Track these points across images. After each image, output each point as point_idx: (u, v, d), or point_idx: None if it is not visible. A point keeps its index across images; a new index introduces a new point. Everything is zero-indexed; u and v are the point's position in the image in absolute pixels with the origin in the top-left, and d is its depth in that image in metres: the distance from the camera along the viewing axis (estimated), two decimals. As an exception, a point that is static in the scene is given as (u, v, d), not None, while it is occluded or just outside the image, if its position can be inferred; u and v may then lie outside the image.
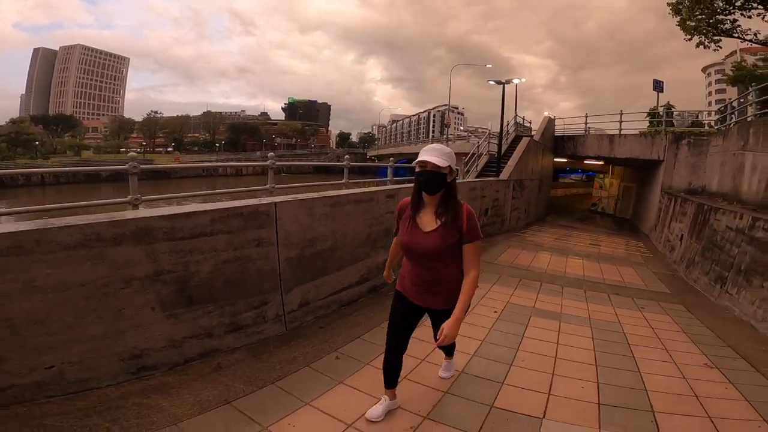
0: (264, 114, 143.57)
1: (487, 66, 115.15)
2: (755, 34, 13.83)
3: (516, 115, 16.49)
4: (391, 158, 8.96)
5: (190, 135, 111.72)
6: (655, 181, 12.38)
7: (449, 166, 1.79)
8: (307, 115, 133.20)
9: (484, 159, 13.50)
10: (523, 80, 16.54)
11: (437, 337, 1.82)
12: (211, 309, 2.35)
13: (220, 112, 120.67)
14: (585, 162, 18.98)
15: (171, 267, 2.11)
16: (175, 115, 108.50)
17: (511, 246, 7.50)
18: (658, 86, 16.70)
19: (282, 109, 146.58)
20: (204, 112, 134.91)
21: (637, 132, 14.71)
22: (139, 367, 2.09)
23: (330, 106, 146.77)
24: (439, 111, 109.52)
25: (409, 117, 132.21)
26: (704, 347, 3.38)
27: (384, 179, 7.13)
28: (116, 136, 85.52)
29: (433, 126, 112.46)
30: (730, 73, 24.98)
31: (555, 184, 23.64)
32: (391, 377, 2.08)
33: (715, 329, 3.88)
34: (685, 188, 10.67)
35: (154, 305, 2.08)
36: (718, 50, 15.23)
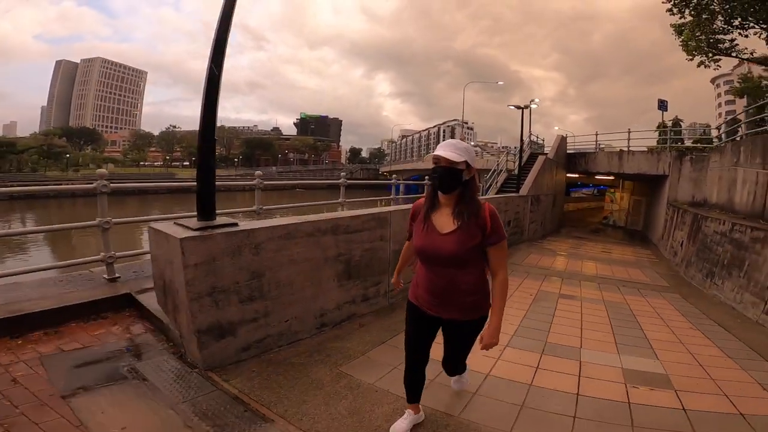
0: (276, 129, 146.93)
1: (499, 83, 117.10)
2: (752, 53, 15.05)
3: (531, 134, 17.82)
4: (394, 176, 10.15)
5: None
6: (661, 194, 13.48)
7: (465, 161, 1.65)
8: (319, 130, 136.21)
9: (503, 176, 14.81)
10: (537, 103, 17.84)
11: (445, 357, 2.02)
12: (357, 283, 3.60)
13: (235, 127, 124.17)
14: (596, 177, 20.11)
15: (343, 251, 3.36)
16: (190, 129, 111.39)
17: (533, 252, 8.69)
18: (662, 106, 17.94)
19: (294, 124, 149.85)
20: (218, 127, 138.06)
21: (644, 148, 15.90)
22: (320, 323, 3.27)
23: (341, 121, 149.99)
24: (448, 126, 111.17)
25: (419, 132, 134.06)
26: (691, 318, 4.56)
27: (396, 197, 8.23)
28: (135, 150, 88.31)
29: (443, 140, 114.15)
30: (737, 84, 26.05)
31: (567, 198, 24.74)
32: (414, 392, 1.99)
33: (701, 309, 5.04)
34: (688, 201, 11.76)
35: (334, 277, 3.32)
36: (718, 68, 16.43)
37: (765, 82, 21.25)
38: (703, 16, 14.22)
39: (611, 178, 19.41)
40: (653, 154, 13.88)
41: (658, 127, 19.05)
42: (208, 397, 2.16)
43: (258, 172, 5.16)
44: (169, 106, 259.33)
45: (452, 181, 1.66)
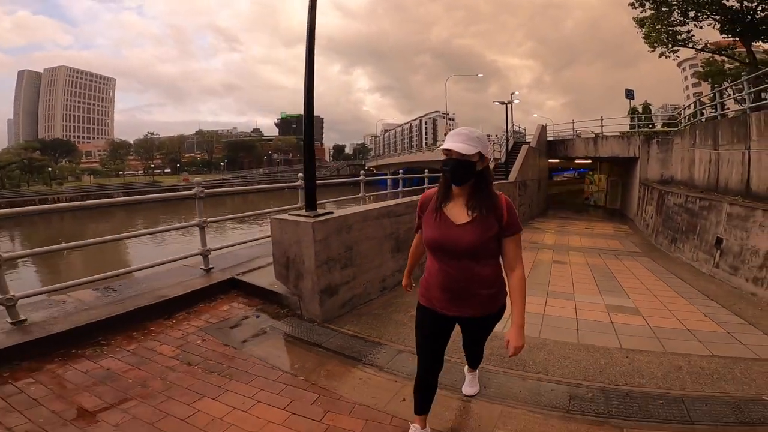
0: (256, 130, 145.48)
1: (479, 76, 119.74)
2: (706, 43, 16.60)
3: (513, 125, 19.11)
4: (372, 169, 10.91)
5: (186, 155, 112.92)
6: (634, 174, 14.93)
7: (479, 152, 1.58)
8: (301, 129, 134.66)
9: (491, 165, 16.00)
10: (518, 97, 19.11)
11: (465, 345, 2.16)
12: (404, 255, 4.67)
13: (217, 131, 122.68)
14: (575, 161, 21.58)
15: (394, 230, 4.39)
16: (164, 135, 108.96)
17: (524, 231, 9.90)
18: (630, 95, 19.50)
19: (275, 124, 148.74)
20: (197, 131, 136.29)
21: (617, 133, 17.35)
22: (382, 287, 4.28)
23: (323, 119, 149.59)
24: (430, 118, 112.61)
25: (402, 125, 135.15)
26: (656, 274, 5.79)
27: (391, 191, 8.73)
28: (113, 159, 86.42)
29: (426, 133, 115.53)
30: (701, 69, 27.90)
31: (551, 182, 26.22)
32: (424, 402, 1.89)
33: (666, 267, 6.29)
34: (657, 179, 13.19)
35: (389, 250, 4.36)
36: (677, 58, 17.97)
37: (727, 66, 22.98)
38: (662, 9, 15.64)
39: (589, 161, 20.89)
40: (624, 139, 15.31)
41: (630, 112, 20.60)
42: (336, 338, 3.16)
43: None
44: (141, 113, 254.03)
45: (465, 173, 1.60)
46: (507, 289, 1.76)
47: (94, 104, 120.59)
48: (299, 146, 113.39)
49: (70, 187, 47.99)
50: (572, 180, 41.82)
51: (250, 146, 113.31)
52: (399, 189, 8.65)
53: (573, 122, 18.16)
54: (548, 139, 18.49)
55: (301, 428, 2.07)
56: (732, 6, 14.49)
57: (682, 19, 15.84)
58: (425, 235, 1.74)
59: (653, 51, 16.80)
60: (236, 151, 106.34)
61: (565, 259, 6.54)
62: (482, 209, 1.62)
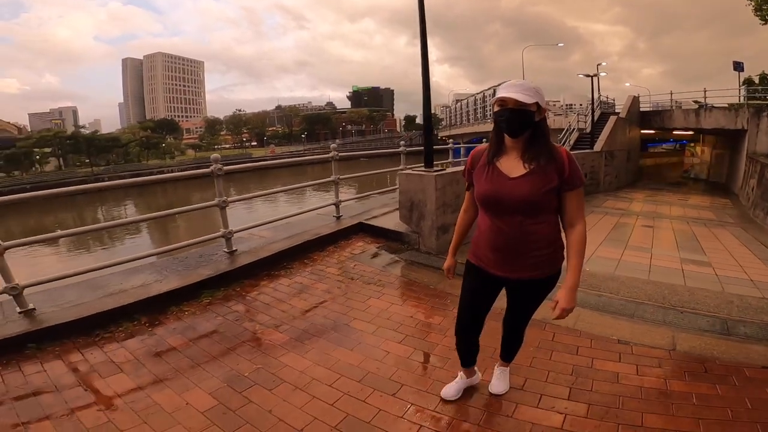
0: (330, 104, 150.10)
1: (559, 45, 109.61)
2: None
3: (600, 95, 18.17)
4: (450, 140, 11.18)
5: (269, 129, 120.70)
6: (742, 148, 13.70)
7: (536, 102, 1.45)
8: (372, 101, 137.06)
9: (575, 135, 15.76)
10: (605, 68, 18.04)
11: (506, 318, 1.97)
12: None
13: (295, 105, 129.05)
14: (674, 132, 19.93)
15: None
16: (249, 112, 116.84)
17: (609, 199, 10.08)
18: (738, 67, 17.38)
19: (347, 97, 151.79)
20: (277, 107, 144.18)
21: (725, 105, 15.77)
22: (440, 233, 5.27)
23: (393, 91, 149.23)
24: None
25: (474, 95, 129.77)
26: (742, 240, 6.01)
27: (464, 159, 9.47)
28: (210, 135, 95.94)
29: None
30: None
31: (644, 154, 24.39)
32: (468, 357, 1.95)
33: (754, 236, 6.38)
34: (766, 153, 12.08)
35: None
36: None
37: None
38: None
39: (690, 133, 19.16)
40: (731, 111, 14.01)
41: (745, 83, 18.34)
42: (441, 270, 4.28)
43: (333, 145, 6.18)
44: (227, 92, 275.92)
45: (523, 123, 1.48)
46: (564, 252, 1.62)
47: (188, 86, 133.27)
48: (371, 117, 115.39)
49: (180, 160, 55.09)
50: (671, 152, 38.00)
51: (325, 119, 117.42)
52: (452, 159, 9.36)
53: (671, 93, 16.83)
54: (642, 109, 17.35)
55: (437, 316, 3.18)
56: None
57: None
58: (477, 191, 1.63)
59: (764, 24, 14.79)
60: (313, 124, 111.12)
61: (649, 224, 6.92)
62: (540, 159, 1.50)
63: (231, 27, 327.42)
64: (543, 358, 2.48)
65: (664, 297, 3.46)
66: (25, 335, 2.59)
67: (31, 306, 2.88)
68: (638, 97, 17.33)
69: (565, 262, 1.65)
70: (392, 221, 5.20)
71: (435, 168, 4.68)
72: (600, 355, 2.51)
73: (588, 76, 15.21)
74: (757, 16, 14.93)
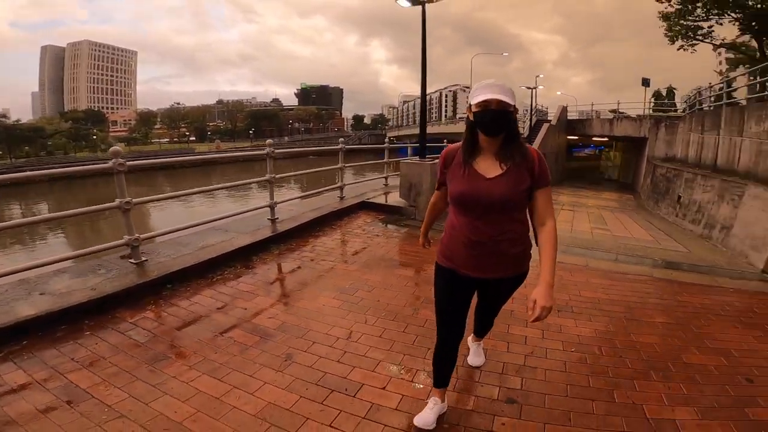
0: (276, 100, 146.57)
1: (504, 54, 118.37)
2: (723, 39, 18.09)
3: (535, 105, 21.13)
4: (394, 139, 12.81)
5: (210, 124, 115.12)
6: (644, 153, 16.99)
7: (514, 105, 1.50)
8: (320, 99, 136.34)
9: (515, 140, 18.32)
10: (542, 80, 20.96)
11: (477, 316, 2.16)
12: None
13: (241, 101, 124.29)
14: (593, 139, 23.50)
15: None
16: (184, 105, 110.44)
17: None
18: (645, 83, 21.21)
19: (294, 94, 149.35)
20: (218, 101, 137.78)
21: (634, 115, 19.23)
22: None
23: (342, 90, 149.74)
24: (450, 90, 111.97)
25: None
26: (634, 218, 8.30)
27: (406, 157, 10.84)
28: (142, 128, 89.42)
29: (446, 106, 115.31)
30: (732, 56, 28.73)
31: (571, 157, 28.13)
32: (443, 374, 1.85)
33: (644, 217, 8.76)
34: (662, 157, 15.27)
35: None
36: (695, 52, 19.42)
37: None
38: (688, 6, 17.14)
39: (606, 139, 22.80)
40: (636, 121, 17.29)
41: (654, 96, 22.24)
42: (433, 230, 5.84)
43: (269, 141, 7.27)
44: (161, 84, 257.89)
45: (504, 124, 1.51)
46: (532, 249, 1.69)
47: (117, 76, 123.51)
48: (320, 116, 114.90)
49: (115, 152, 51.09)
50: (592, 156, 43.23)
51: (272, 115, 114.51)
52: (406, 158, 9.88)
53: (592, 104, 20.14)
54: (569, 118, 20.49)
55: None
56: (755, 5, 15.89)
57: (704, 15, 17.32)
58: (452, 190, 1.64)
59: (672, 44, 18.38)
60: (258, 121, 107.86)
61: (571, 209, 9.09)
62: (515, 159, 1.55)
63: (172, 17, 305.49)
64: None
65: (581, 242, 5.33)
66: (163, 277, 3.38)
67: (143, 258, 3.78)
68: (566, 106, 20.42)
69: (532, 260, 1.71)
70: (387, 200, 6.69)
71: (428, 158, 6.25)
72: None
73: (529, 88, 17.79)
74: (666, 36, 18.26)
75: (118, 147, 3.76)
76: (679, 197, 8.06)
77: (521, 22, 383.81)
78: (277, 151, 5.27)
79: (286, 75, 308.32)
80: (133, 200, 3.52)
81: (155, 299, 3.14)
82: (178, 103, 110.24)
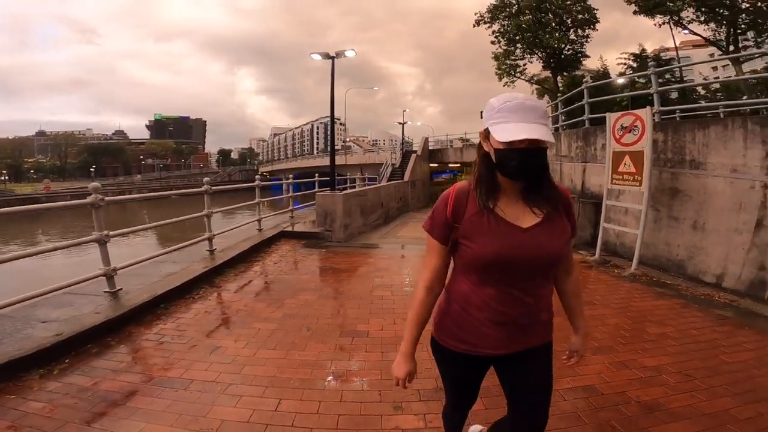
0: (120, 132, 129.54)
1: (375, 88, 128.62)
2: (533, 76, 24.54)
3: (404, 138, 24.57)
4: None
5: (29, 160, 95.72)
6: (486, 174, 21.48)
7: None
8: (179, 132, 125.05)
9: (389, 168, 20.98)
10: (410, 122, 24.64)
11: (526, 411, 1.29)
12: (365, 217, 8.75)
13: (71, 132, 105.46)
14: (449, 166, 28.18)
15: (361, 203, 8.34)
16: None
17: (416, 214, 14.81)
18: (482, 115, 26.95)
19: (146, 126, 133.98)
20: (38, 132, 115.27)
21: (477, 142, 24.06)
22: (360, 231, 8.32)
23: (205, 122, 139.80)
24: (321, 123, 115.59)
25: (292, 130, 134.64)
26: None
27: (286, 195, 9.53)
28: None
29: (318, 138, 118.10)
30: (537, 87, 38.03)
31: (432, 182, 32.81)
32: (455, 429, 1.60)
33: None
34: (498, 177, 19.74)
35: (359, 213, 8.27)
36: (514, 88, 25.57)
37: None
38: (510, 47, 22.85)
39: (458, 165, 27.65)
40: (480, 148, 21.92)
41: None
42: (349, 248, 7.09)
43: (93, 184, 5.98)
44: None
45: (541, 167, 1.10)
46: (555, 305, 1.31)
47: None
48: (179, 151, 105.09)
49: None
50: (448, 180, 50.19)
51: (116, 150, 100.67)
52: (291, 194, 9.13)
53: (447, 135, 24.56)
54: (430, 147, 24.40)
55: (359, 260, 6.05)
56: (550, 46, 22.09)
57: (522, 54, 23.31)
58: (478, 250, 1.13)
59: (500, 80, 24.07)
60: (98, 156, 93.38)
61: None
62: (555, 203, 1.15)
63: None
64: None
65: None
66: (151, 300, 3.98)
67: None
68: (428, 138, 24.30)
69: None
70: (305, 228, 7.76)
71: (339, 190, 7.58)
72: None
73: (400, 123, 20.74)
74: (496, 74, 23.73)
75: (96, 183, 4.02)
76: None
77: (387, 55, 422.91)
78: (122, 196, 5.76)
79: (134, 104, 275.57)
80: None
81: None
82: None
